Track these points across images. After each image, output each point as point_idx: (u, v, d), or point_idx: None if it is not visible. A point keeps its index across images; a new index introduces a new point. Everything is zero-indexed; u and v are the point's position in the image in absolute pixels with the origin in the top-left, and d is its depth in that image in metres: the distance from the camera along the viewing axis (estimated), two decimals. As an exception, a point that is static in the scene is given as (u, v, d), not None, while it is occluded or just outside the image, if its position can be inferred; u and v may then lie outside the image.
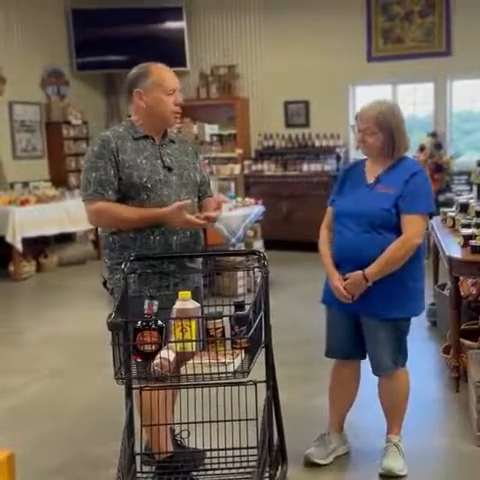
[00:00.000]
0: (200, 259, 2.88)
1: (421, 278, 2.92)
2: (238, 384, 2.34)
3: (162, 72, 2.73)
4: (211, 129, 8.97)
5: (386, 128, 2.81)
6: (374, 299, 2.81)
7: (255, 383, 2.38)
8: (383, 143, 2.83)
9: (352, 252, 2.81)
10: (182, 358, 2.23)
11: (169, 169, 2.74)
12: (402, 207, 2.78)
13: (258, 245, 6.87)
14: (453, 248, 3.88)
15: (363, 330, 2.91)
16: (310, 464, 3.00)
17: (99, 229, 8.56)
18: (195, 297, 2.51)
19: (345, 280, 2.83)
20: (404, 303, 2.86)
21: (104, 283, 2.83)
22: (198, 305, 2.37)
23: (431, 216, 2.92)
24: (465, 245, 3.80)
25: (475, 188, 5.36)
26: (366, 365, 3.01)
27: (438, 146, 8.05)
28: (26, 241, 7.35)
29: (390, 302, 2.82)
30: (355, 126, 2.91)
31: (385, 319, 2.83)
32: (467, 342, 3.86)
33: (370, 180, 2.90)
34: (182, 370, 2.21)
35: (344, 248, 2.85)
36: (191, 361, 2.20)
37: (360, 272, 2.78)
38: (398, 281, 2.80)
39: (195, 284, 2.81)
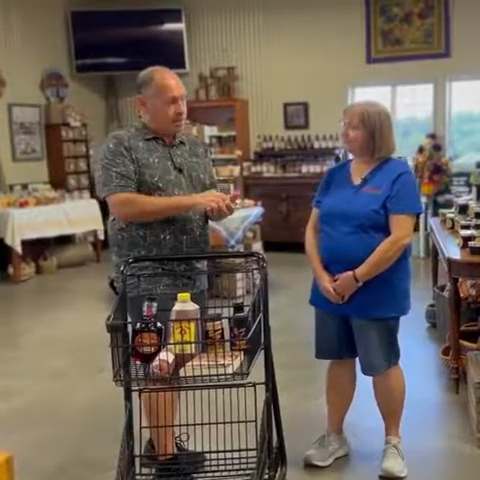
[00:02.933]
0: (205, 261, 2.89)
1: (408, 277, 2.93)
2: (237, 386, 2.34)
3: (164, 80, 2.71)
4: (210, 131, 8.98)
5: (368, 126, 2.82)
6: (364, 299, 2.82)
7: (254, 385, 2.38)
8: (364, 140, 2.83)
9: (341, 253, 2.82)
10: (181, 360, 2.23)
11: (180, 170, 2.76)
12: (390, 207, 2.79)
13: (257, 247, 6.88)
14: (452, 249, 3.88)
15: (354, 331, 2.91)
16: (310, 466, 3.00)
17: (99, 232, 8.46)
18: (200, 300, 2.50)
19: (335, 281, 2.84)
20: (393, 302, 2.87)
21: (110, 283, 2.83)
22: (197, 307, 2.37)
23: (418, 216, 2.94)
24: (464, 246, 3.80)
25: (474, 189, 5.36)
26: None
27: (437, 147, 8.06)
28: (25, 243, 7.35)
29: (380, 301, 2.83)
30: (342, 121, 2.92)
31: (376, 318, 2.84)
32: (466, 343, 3.86)
33: (356, 181, 2.90)
34: (181, 372, 2.21)
35: (333, 249, 2.85)
36: (190, 363, 2.20)
37: (350, 273, 2.78)
38: (386, 280, 2.81)
39: (202, 287, 2.83)
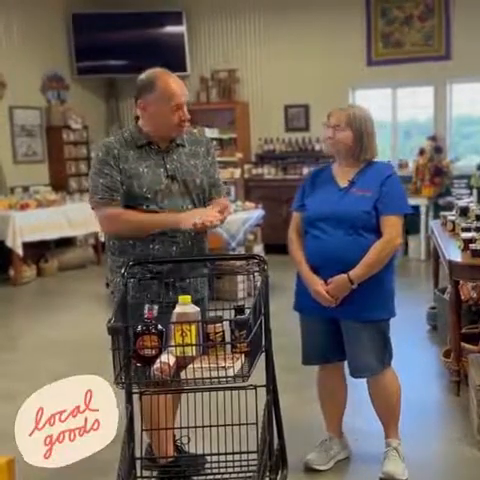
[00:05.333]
0: (204, 269, 2.84)
1: (394, 279, 2.95)
2: (238, 388, 2.34)
3: (168, 87, 2.62)
4: (211, 133, 8.97)
5: (357, 128, 2.84)
6: (355, 302, 2.81)
7: (255, 387, 2.37)
8: (352, 142, 2.84)
9: (335, 256, 2.80)
10: (182, 362, 2.23)
11: (172, 178, 2.69)
12: (381, 209, 2.81)
13: (258, 249, 6.88)
14: (453, 252, 3.88)
15: (343, 334, 2.90)
16: (310, 469, 2.99)
17: (100, 234, 8.44)
18: (199, 305, 2.46)
19: (327, 285, 2.82)
20: (384, 304, 2.88)
21: (107, 284, 2.85)
22: (198, 309, 2.36)
23: (406, 216, 2.97)
24: (465, 249, 3.80)
25: (475, 192, 5.36)
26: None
27: (438, 150, 8.06)
28: (26, 245, 7.35)
29: (371, 303, 2.83)
30: (325, 124, 2.91)
31: (368, 321, 2.83)
32: (467, 346, 3.86)
33: (342, 184, 2.90)
34: (182, 374, 2.21)
35: (325, 252, 2.83)
36: (191, 365, 2.20)
37: (344, 275, 2.78)
38: (377, 283, 2.82)
39: (198, 295, 2.74)
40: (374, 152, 2.92)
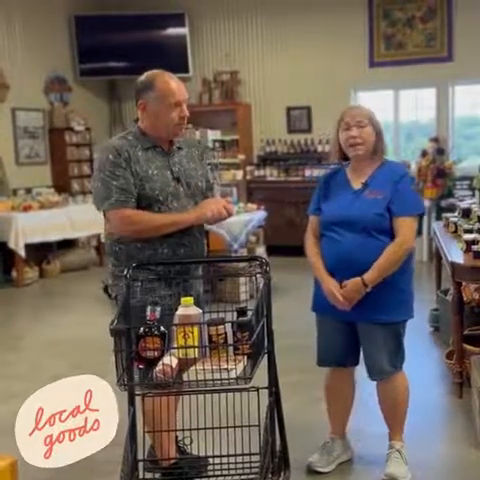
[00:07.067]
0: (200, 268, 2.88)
1: (412, 280, 2.94)
2: (240, 390, 2.34)
3: (167, 85, 2.65)
4: (214, 135, 8.96)
5: (374, 124, 2.86)
6: (371, 304, 2.80)
7: (258, 389, 2.38)
8: (375, 138, 2.85)
9: (349, 258, 2.79)
10: (184, 364, 2.23)
11: (178, 180, 2.71)
12: (394, 210, 2.80)
13: (260, 251, 6.88)
14: (455, 253, 3.88)
15: (360, 336, 2.90)
16: (313, 471, 2.99)
17: (102, 236, 8.48)
18: (197, 305, 2.49)
19: (342, 288, 2.81)
20: (401, 306, 2.87)
21: (104, 288, 2.83)
22: (200, 311, 2.37)
23: (421, 217, 2.95)
24: (467, 250, 3.80)
25: (477, 193, 5.35)
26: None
27: (440, 151, 8.05)
28: (29, 247, 7.36)
29: (388, 306, 2.82)
30: (342, 125, 2.90)
31: (384, 323, 2.83)
32: (470, 347, 3.85)
33: (356, 186, 2.89)
34: (184, 376, 2.21)
35: (341, 255, 2.82)
36: (193, 367, 2.20)
37: (358, 279, 2.76)
38: (394, 285, 2.81)
39: (197, 292, 2.78)
40: (386, 149, 2.94)
